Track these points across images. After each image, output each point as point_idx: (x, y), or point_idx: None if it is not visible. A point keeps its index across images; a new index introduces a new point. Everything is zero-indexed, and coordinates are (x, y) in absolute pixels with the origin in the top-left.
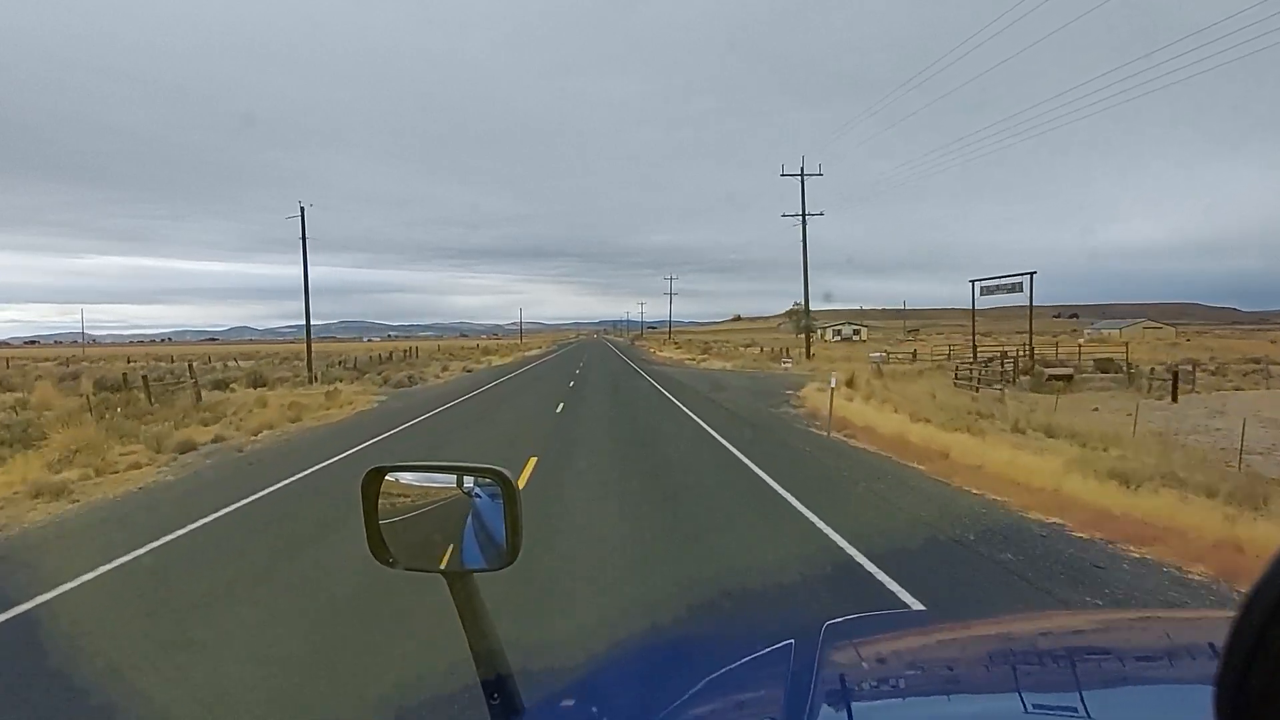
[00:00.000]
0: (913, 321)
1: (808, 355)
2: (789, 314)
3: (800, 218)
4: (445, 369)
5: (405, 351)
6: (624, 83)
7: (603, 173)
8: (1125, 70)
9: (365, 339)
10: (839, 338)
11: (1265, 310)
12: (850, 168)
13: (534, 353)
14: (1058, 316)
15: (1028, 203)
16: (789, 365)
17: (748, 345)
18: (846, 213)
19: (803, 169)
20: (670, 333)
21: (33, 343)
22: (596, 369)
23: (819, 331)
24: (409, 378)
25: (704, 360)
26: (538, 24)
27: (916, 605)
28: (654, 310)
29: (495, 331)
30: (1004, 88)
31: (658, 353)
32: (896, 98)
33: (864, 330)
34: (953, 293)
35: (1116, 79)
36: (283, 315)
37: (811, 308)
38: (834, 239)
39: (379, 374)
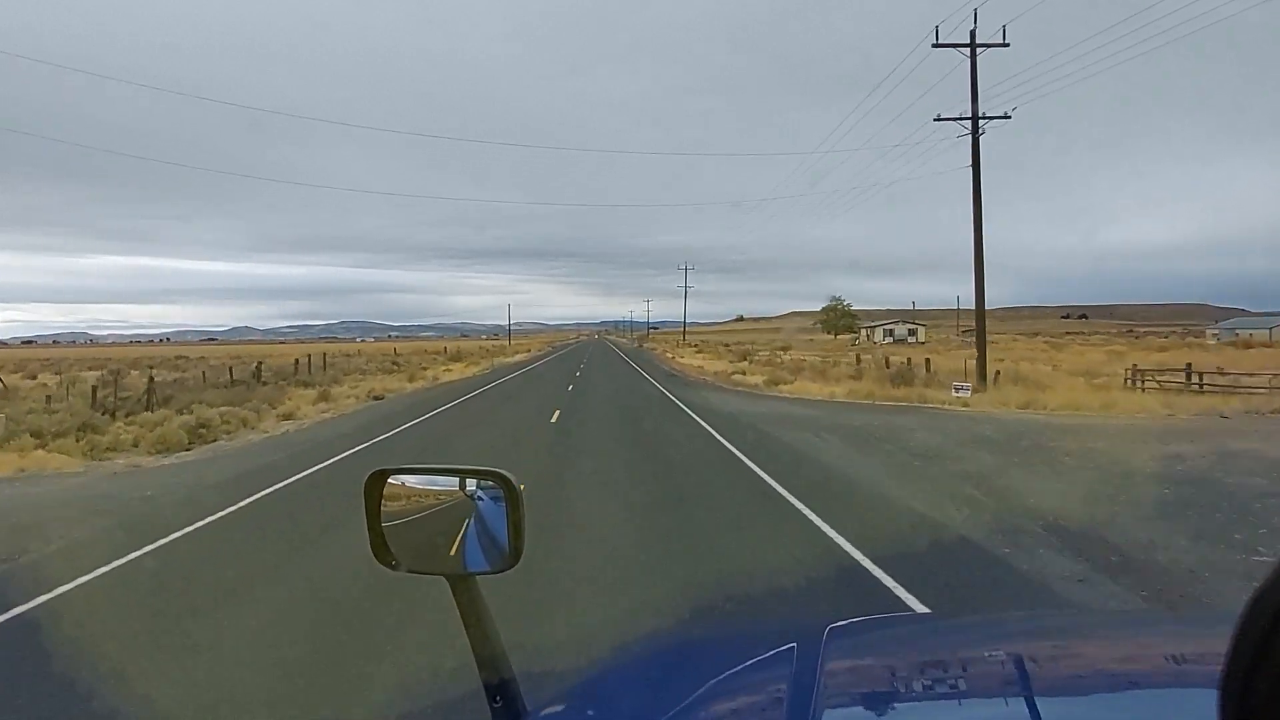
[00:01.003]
0: (919, 323)
1: (983, 376)
2: (825, 311)
3: (969, 121)
4: (324, 398)
5: (298, 362)
6: (626, 82)
7: (604, 173)
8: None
9: (357, 339)
10: (890, 339)
11: (1276, 311)
12: (853, 167)
13: (517, 358)
14: (1066, 317)
15: (1032, 203)
16: (964, 393)
17: (783, 349)
18: (848, 213)
19: (973, 36)
20: (684, 333)
21: (29, 343)
22: (599, 396)
23: (862, 332)
24: (212, 426)
25: (765, 379)
26: (538, 24)
27: None
28: (657, 310)
29: (496, 332)
30: (1007, 84)
31: (679, 360)
32: (899, 96)
33: (921, 330)
34: (951, 293)
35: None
36: (285, 315)
37: (811, 310)
38: (837, 240)
39: (188, 408)
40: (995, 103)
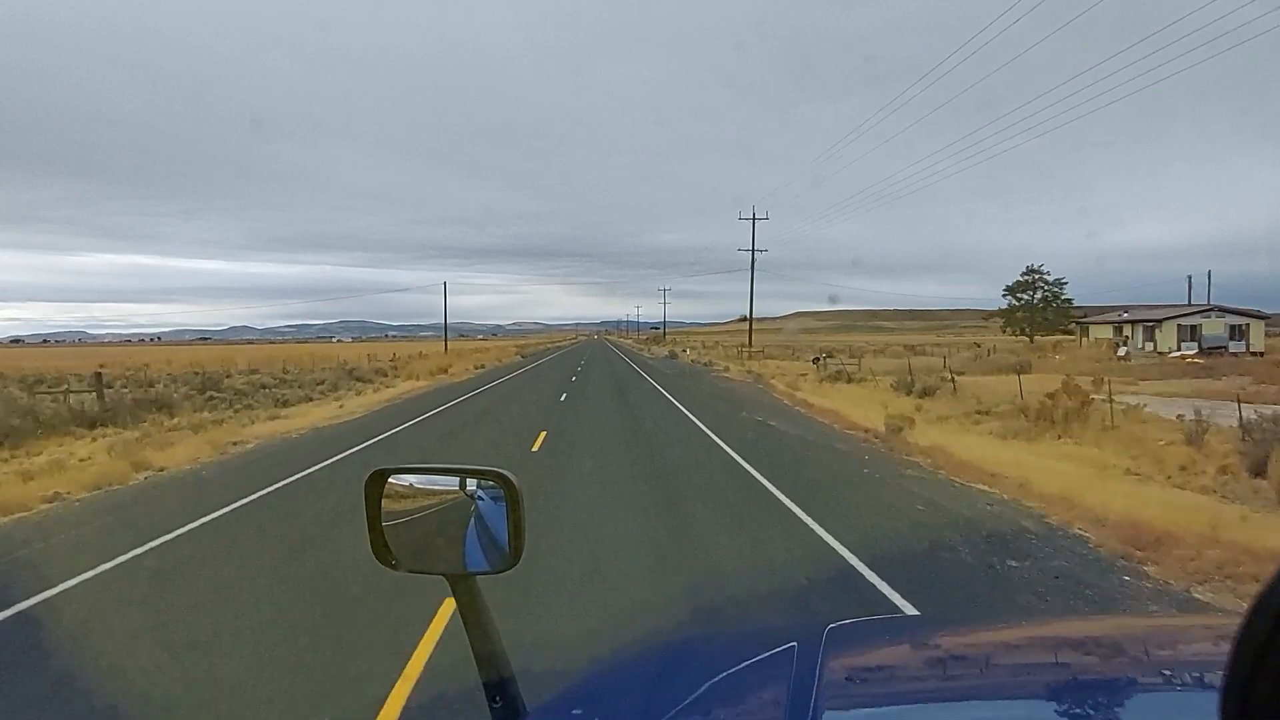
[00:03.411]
0: (929, 322)
1: None
2: (1014, 291)
3: None
4: None
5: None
6: (630, 77)
7: (606, 172)
8: (1135, 54)
9: (336, 339)
10: (1193, 345)
11: None
12: (859, 168)
13: (383, 397)
14: (1082, 318)
15: (1038, 204)
16: None
17: (1014, 375)
18: (852, 214)
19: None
20: (751, 335)
21: (17, 341)
22: None
23: (1100, 331)
24: None
25: None
26: (541, 20)
27: None
28: (658, 310)
29: (495, 332)
30: (1013, 85)
31: (916, 441)
32: (909, 96)
33: (1254, 327)
34: (957, 293)
35: (1125, 62)
36: (284, 315)
37: (814, 310)
38: (840, 241)
39: None
40: (1013, 117)
